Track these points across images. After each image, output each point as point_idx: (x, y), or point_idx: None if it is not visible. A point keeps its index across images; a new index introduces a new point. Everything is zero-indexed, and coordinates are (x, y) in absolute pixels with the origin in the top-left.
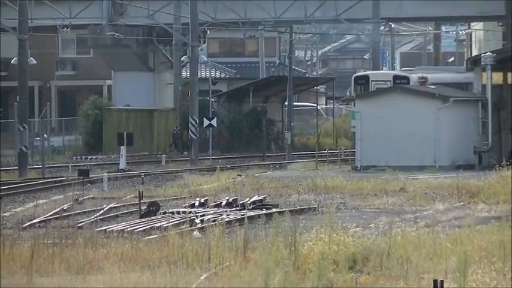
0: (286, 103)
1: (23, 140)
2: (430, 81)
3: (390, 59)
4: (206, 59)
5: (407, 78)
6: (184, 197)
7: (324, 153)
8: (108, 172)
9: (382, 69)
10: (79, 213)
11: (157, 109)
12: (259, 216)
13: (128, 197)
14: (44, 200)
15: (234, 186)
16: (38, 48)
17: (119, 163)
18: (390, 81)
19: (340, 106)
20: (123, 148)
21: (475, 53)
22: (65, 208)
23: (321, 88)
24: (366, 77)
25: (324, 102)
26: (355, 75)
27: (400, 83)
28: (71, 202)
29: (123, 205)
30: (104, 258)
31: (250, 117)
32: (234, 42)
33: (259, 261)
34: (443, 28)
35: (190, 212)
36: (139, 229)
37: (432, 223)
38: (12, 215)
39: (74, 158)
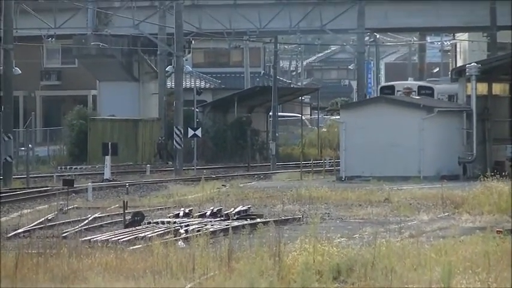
0: (271, 113)
1: (7, 149)
2: (455, 92)
3: (375, 69)
4: (191, 69)
5: (431, 89)
6: (168, 207)
7: (308, 163)
8: (93, 182)
9: (366, 80)
10: (63, 223)
11: (142, 119)
12: (243, 226)
13: (112, 207)
14: (29, 210)
15: (218, 196)
16: (23, 58)
17: (103, 173)
18: (415, 91)
19: (325, 116)
20: (107, 158)
21: (459, 63)
22: (49, 218)
23: (306, 98)
24: (392, 87)
25: (309, 113)
26: (381, 85)
27: (424, 93)
28: (56, 212)
29: (108, 215)
30: (88, 268)
31: (235, 127)
32: (218, 53)
33: (244, 271)
34: (428, 38)
35: (174, 222)
36: (124, 239)
37: (417, 233)
38: None
39: (59, 167)
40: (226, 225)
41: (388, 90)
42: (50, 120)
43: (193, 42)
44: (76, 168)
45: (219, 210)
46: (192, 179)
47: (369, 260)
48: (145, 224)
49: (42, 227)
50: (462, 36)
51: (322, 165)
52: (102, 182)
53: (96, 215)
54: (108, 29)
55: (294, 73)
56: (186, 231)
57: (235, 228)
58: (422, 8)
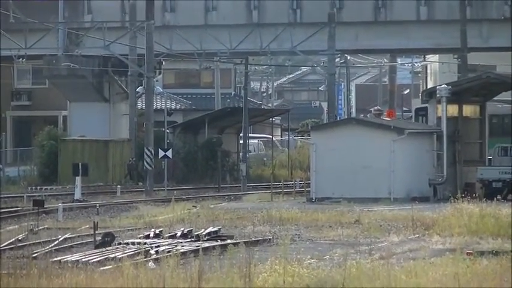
0: (241, 134)
1: None
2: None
3: (346, 91)
4: (162, 90)
5: None
6: (139, 228)
7: (279, 184)
8: (63, 202)
9: (337, 102)
10: (34, 243)
11: (112, 140)
12: (214, 247)
13: (82, 227)
14: None
15: (189, 217)
16: None
17: (74, 193)
18: None
19: (295, 138)
20: (78, 179)
21: (430, 85)
22: (19, 238)
23: (276, 119)
24: (427, 109)
25: (280, 134)
26: (416, 107)
27: None
28: (26, 232)
29: (78, 236)
30: None
31: (206, 148)
32: (189, 73)
33: None
34: (399, 60)
35: (145, 243)
36: (94, 260)
37: (387, 255)
38: None
39: (29, 188)
40: (197, 246)
41: (423, 112)
42: (20, 140)
43: (164, 63)
44: (46, 188)
45: (190, 231)
46: (163, 200)
47: (339, 282)
48: (115, 245)
49: (12, 247)
50: (433, 57)
51: (292, 186)
52: (72, 202)
53: (67, 235)
54: (79, 49)
55: (265, 94)
56: (157, 252)
57: (205, 249)
58: (392, 30)
